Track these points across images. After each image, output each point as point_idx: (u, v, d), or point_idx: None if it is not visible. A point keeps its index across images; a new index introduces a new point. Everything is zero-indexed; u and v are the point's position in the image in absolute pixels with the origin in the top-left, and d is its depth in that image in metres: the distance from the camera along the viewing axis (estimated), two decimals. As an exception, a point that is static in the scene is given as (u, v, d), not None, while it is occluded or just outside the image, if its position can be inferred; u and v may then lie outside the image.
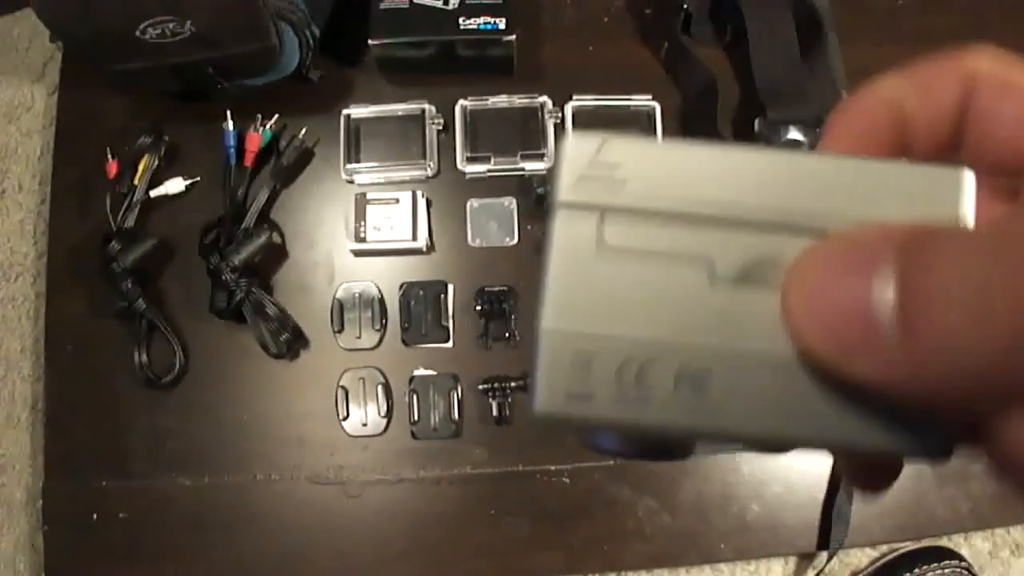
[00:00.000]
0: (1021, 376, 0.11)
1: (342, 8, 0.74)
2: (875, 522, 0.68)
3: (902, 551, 0.69)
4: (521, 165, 0.72)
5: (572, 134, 0.19)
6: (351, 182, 0.73)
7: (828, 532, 0.67)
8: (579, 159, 0.19)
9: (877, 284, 0.13)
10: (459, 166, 0.72)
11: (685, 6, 0.72)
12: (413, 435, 0.69)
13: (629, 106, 0.73)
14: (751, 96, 0.71)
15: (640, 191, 0.19)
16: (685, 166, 0.19)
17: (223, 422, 0.70)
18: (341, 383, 0.69)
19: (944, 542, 0.70)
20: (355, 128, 0.73)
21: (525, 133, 0.73)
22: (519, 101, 0.73)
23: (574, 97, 0.73)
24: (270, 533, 0.68)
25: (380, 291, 0.71)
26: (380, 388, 0.69)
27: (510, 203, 0.72)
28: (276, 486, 0.68)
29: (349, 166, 0.72)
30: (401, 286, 0.71)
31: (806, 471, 0.68)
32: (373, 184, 0.73)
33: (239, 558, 0.68)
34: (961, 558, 0.68)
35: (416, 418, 0.69)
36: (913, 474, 0.68)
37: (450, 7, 0.69)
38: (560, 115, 0.73)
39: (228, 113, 0.71)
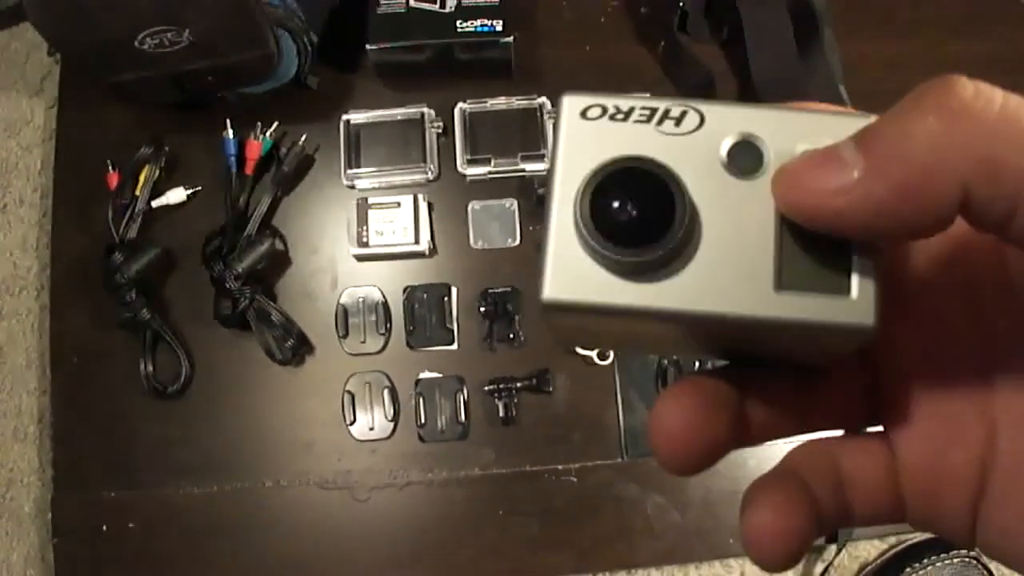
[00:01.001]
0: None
1: (339, 14, 0.74)
2: (883, 514, 0.68)
3: (910, 542, 0.69)
4: (521, 166, 0.72)
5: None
6: (352, 187, 0.73)
7: (837, 525, 0.67)
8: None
9: (845, 149, 0.18)
10: (459, 168, 0.73)
11: (681, 4, 0.73)
12: (420, 438, 0.69)
13: (627, 105, 0.73)
14: (748, 92, 0.72)
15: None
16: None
17: (230, 430, 0.70)
18: (347, 388, 0.69)
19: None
20: (355, 133, 0.73)
21: (524, 134, 0.73)
22: (518, 102, 0.73)
23: (572, 97, 0.73)
24: (280, 539, 0.68)
25: (384, 295, 0.71)
26: (386, 392, 0.69)
27: (511, 204, 0.72)
28: (284, 492, 0.68)
29: (350, 171, 0.72)
30: (405, 290, 0.71)
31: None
32: (374, 189, 0.73)
33: (249, 565, 0.68)
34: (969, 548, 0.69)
35: (423, 421, 0.69)
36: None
37: (447, 10, 0.69)
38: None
39: (228, 122, 0.71)
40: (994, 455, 0.20)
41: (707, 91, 0.72)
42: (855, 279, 0.19)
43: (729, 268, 0.20)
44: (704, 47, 0.75)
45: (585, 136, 0.20)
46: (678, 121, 0.20)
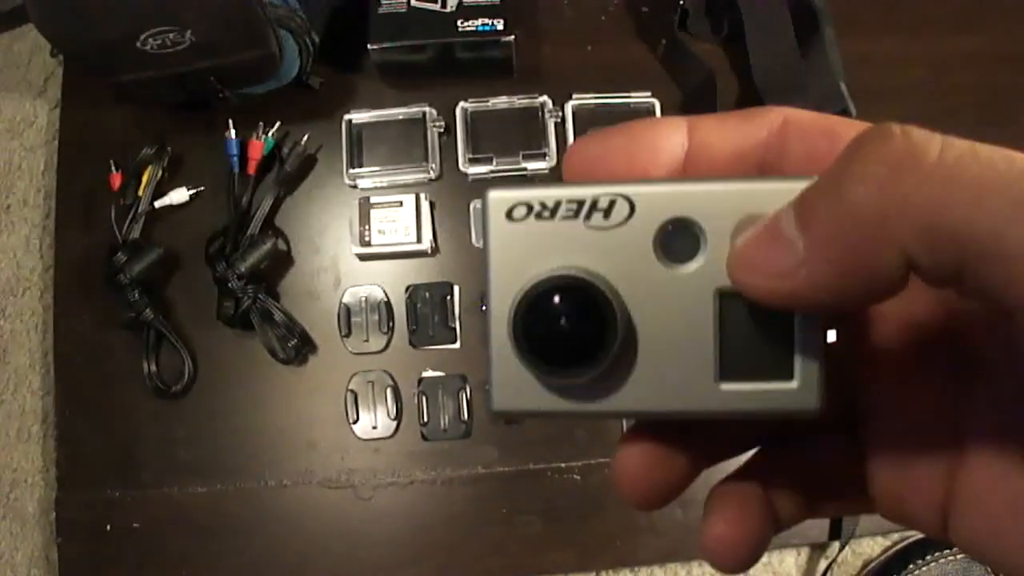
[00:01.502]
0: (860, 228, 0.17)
1: (341, 14, 0.74)
2: (886, 511, 0.68)
3: (914, 539, 0.69)
4: (523, 165, 0.72)
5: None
6: (354, 187, 0.73)
7: (840, 522, 0.67)
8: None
9: (785, 224, 0.18)
10: (461, 168, 0.73)
11: (682, 2, 0.73)
12: (423, 437, 0.69)
13: (629, 104, 0.73)
14: (750, 90, 0.72)
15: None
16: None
17: (233, 429, 0.70)
18: (350, 387, 0.70)
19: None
20: (357, 133, 0.73)
21: (526, 133, 0.73)
22: (519, 102, 0.73)
23: (574, 96, 0.73)
24: (283, 538, 0.68)
25: (386, 294, 0.71)
26: (389, 391, 0.69)
27: (513, 203, 0.72)
28: (288, 491, 0.69)
29: (352, 171, 0.72)
30: (407, 289, 0.71)
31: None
32: (376, 188, 0.73)
33: (253, 564, 0.68)
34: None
35: (426, 420, 0.69)
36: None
37: (448, 9, 0.70)
38: (560, 114, 0.73)
39: (230, 122, 0.71)
40: (962, 468, 0.20)
41: (708, 89, 0.72)
42: (798, 360, 0.19)
43: (669, 366, 0.20)
44: (705, 45, 0.75)
45: (513, 243, 0.20)
46: (607, 213, 0.19)
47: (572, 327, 0.19)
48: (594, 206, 0.19)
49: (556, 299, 0.19)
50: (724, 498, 0.22)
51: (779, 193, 0.19)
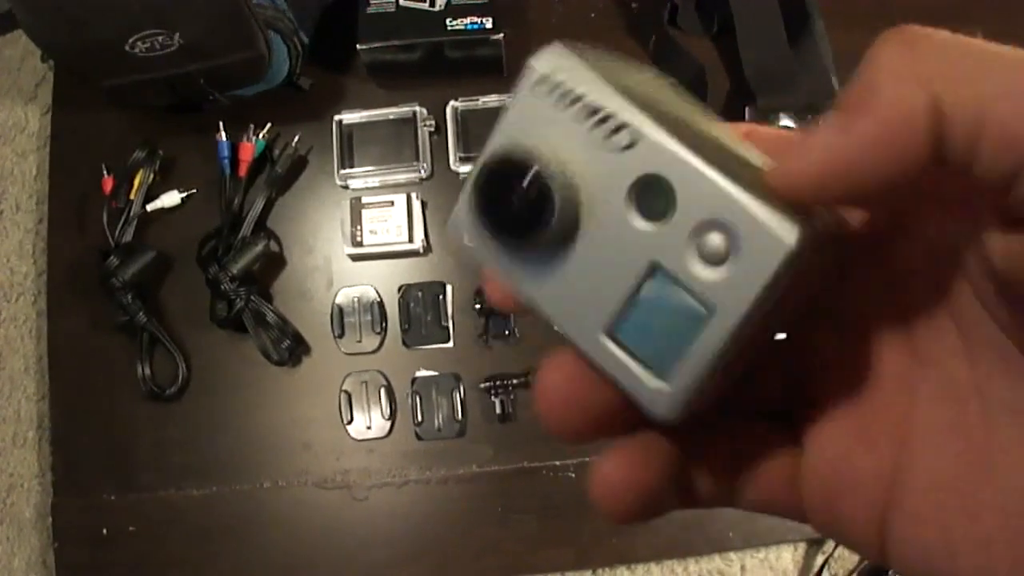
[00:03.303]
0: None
1: (330, 15, 0.74)
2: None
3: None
4: (514, 163, 0.72)
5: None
6: (346, 187, 0.73)
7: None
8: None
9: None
10: (452, 167, 0.73)
11: (671, -2, 0.73)
12: (417, 436, 0.69)
13: (619, 100, 0.73)
14: (741, 85, 0.72)
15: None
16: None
17: (228, 431, 0.70)
18: (344, 387, 0.69)
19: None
20: (348, 133, 0.73)
21: (517, 131, 0.73)
22: (509, 100, 0.73)
23: (564, 93, 0.73)
24: (279, 540, 0.68)
25: (379, 294, 0.71)
26: (383, 391, 0.69)
27: (505, 201, 0.72)
28: (283, 493, 0.69)
29: (343, 171, 0.72)
30: (400, 288, 0.71)
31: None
32: (368, 188, 0.73)
33: (249, 566, 0.68)
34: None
35: (420, 419, 0.69)
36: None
37: (436, 8, 0.69)
38: (551, 112, 0.73)
39: (221, 124, 0.71)
40: (908, 469, 0.19)
41: (699, 84, 0.71)
42: (681, 367, 0.19)
43: (580, 293, 0.20)
44: (695, 40, 0.75)
45: (526, 112, 0.20)
46: (609, 134, 0.19)
47: (514, 193, 0.19)
48: (603, 121, 0.19)
49: (512, 166, 0.19)
50: (630, 440, 0.21)
51: (755, 220, 0.18)
